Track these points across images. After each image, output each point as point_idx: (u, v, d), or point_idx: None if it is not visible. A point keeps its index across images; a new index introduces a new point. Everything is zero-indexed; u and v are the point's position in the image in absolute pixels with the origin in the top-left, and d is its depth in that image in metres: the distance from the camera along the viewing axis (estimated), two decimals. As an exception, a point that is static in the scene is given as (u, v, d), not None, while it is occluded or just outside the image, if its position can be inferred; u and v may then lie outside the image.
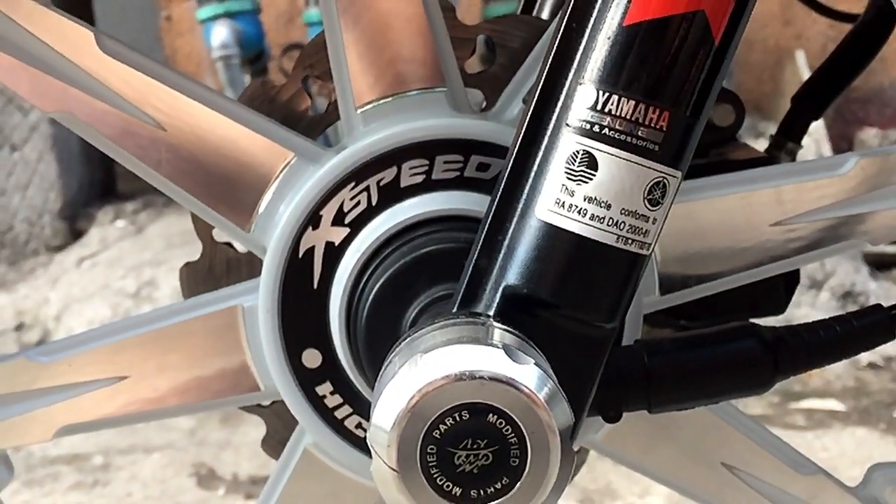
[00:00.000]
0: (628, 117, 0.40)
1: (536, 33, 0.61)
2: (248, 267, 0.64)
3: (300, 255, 0.55)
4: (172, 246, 2.34)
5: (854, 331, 0.50)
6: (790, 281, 0.66)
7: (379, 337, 0.51)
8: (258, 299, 0.57)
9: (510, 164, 0.44)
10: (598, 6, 0.41)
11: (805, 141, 2.24)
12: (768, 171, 0.58)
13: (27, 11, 0.54)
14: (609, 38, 0.41)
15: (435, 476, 0.37)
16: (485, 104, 0.60)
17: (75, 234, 2.75)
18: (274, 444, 0.67)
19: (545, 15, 0.69)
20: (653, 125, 0.40)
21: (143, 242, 2.43)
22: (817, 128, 2.33)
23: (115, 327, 0.60)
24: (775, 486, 0.61)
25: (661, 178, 0.41)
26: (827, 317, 0.54)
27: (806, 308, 2.05)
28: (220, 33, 2.30)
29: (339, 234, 0.55)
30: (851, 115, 2.54)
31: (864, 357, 1.94)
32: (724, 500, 0.62)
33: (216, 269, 0.65)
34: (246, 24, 2.37)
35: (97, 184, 3.00)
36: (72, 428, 0.60)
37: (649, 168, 0.41)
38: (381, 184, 0.54)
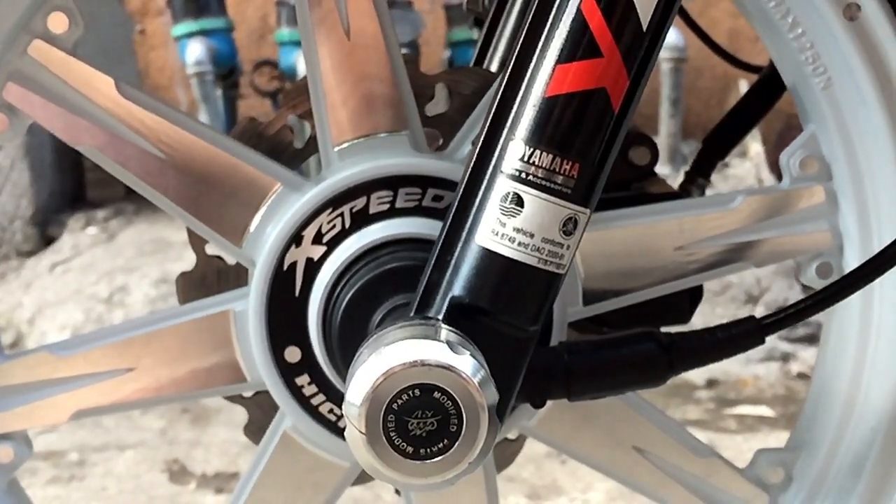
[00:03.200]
0: (547, 167, 0.52)
1: (485, 83, 0.73)
2: (235, 276, 0.75)
3: (284, 268, 0.66)
4: (144, 253, 2.43)
5: (731, 337, 0.62)
6: (695, 295, 0.78)
7: (350, 337, 0.62)
8: (248, 305, 0.67)
9: (458, 200, 0.55)
10: (526, 79, 0.53)
11: (746, 165, 2.41)
12: (672, 205, 0.71)
13: (58, 61, 0.65)
14: (534, 106, 0.53)
15: (393, 438, 0.48)
16: (441, 141, 0.71)
17: (46, 241, 2.82)
18: (255, 430, 0.77)
19: (493, 68, 0.81)
20: (566, 174, 0.52)
21: (114, 249, 2.51)
22: (758, 153, 2.49)
23: (124, 326, 0.71)
24: (677, 465, 0.73)
25: (573, 215, 0.53)
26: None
27: (743, 321, 2.20)
28: (195, 50, 2.40)
29: (317, 252, 0.66)
30: (791, 140, 2.70)
31: (795, 367, 2.08)
32: (635, 477, 0.74)
33: (208, 278, 0.76)
34: (219, 42, 2.47)
35: (68, 191, 3.07)
36: (84, 412, 0.71)
37: (564, 207, 0.53)
38: (354, 210, 0.66)
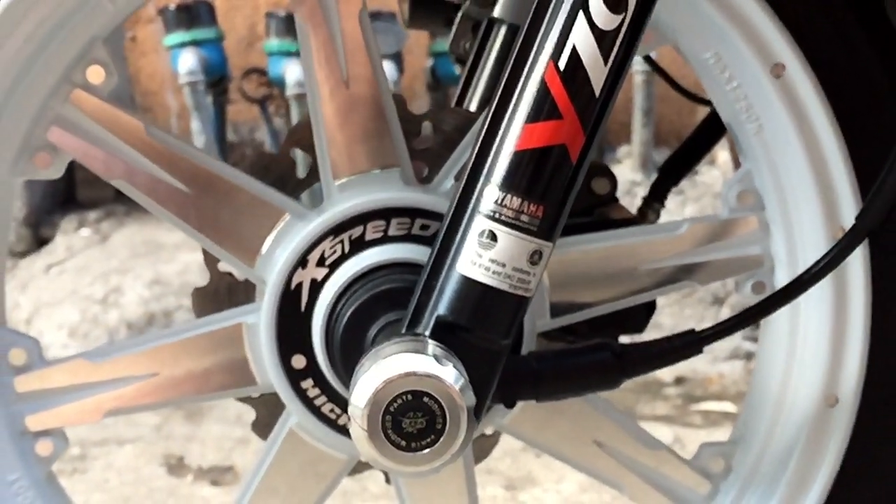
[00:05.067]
0: (516, 209, 0.63)
1: (465, 122, 0.83)
2: (244, 291, 0.85)
3: (292, 287, 0.77)
4: (137, 255, 2.52)
5: (675, 347, 0.73)
6: (649, 308, 0.89)
7: (350, 347, 0.73)
8: (259, 318, 0.78)
9: (442, 234, 0.66)
10: (500, 135, 0.64)
11: (714, 173, 2.53)
12: (628, 231, 0.82)
13: (95, 107, 0.75)
14: (506, 157, 0.63)
15: (390, 434, 0.59)
16: (426, 172, 0.82)
17: (39, 242, 2.90)
18: (262, 426, 0.88)
19: (473, 107, 0.91)
20: (532, 214, 0.63)
21: (108, 251, 2.60)
22: (725, 161, 2.60)
23: (149, 337, 0.81)
24: (631, 457, 0.84)
25: (538, 248, 0.64)
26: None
27: (710, 321, 2.32)
28: (187, 61, 2.49)
29: (320, 273, 0.76)
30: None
31: (758, 366, 2.20)
32: (595, 467, 0.84)
33: (220, 292, 0.87)
34: (210, 52, 2.56)
35: (59, 192, 3.15)
36: (114, 411, 0.81)
37: (530, 241, 0.63)
38: (352, 237, 0.76)
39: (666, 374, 2.15)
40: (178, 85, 2.59)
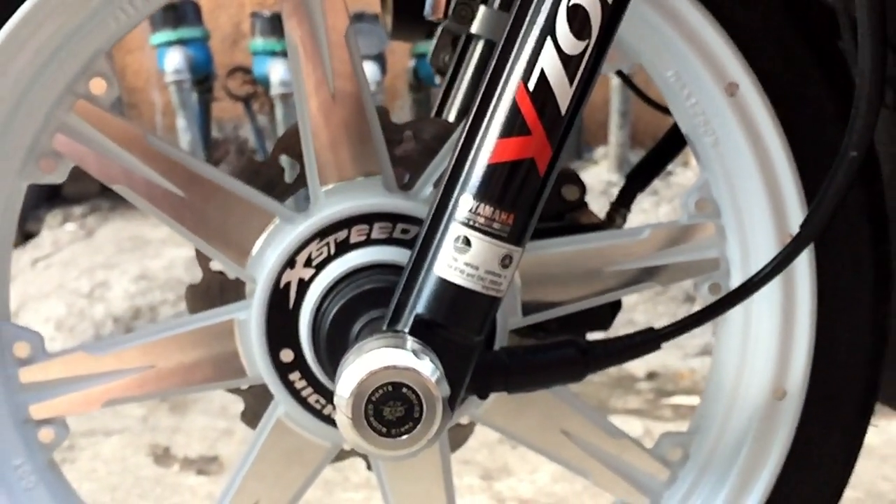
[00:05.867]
0: (489, 217, 0.68)
1: (443, 131, 0.89)
2: (234, 289, 0.91)
3: (280, 286, 0.82)
4: (122, 250, 2.56)
5: (635, 344, 0.79)
6: (614, 307, 0.95)
7: (335, 342, 0.78)
8: (250, 315, 0.83)
9: (421, 239, 0.71)
10: (474, 148, 0.69)
11: (688, 174, 2.59)
12: (595, 236, 0.88)
13: (98, 116, 0.80)
14: (481, 168, 0.69)
15: (372, 422, 0.65)
16: (407, 177, 0.88)
17: (25, 236, 2.93)
18: (250, 416, 0.93)
19: (451, 117, 0.97)
20: (503, 222, 0.69)
21: (94, 246, 2.64)
22: (699, 162, 2.67)
23: (147, 331, 0.86)
24: (595, 445, 0.90)
25: (509, 252, 0.70)
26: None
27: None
28: (174, 59, 2.53)
29: (307, 273, 0.82)
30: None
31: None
32: (563, 456, 0.90)
33: (212, 290, 0.92)
34: (196, 51, 2.60)
35: (44, 187, 3.18)
36: (112, 401, 0.86)
37: (501, 246, 0.69)
38: (337, 240, 0.82)
39: (639, 369, 2.22)
40: (164, 82, 2.63)
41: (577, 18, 0.66)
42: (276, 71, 2.48)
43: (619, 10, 0.68)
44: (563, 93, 0.68)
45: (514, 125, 0.68)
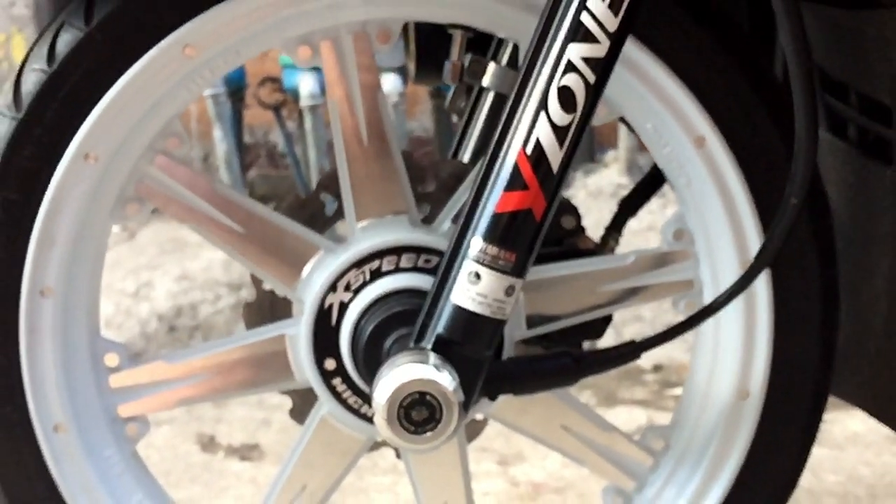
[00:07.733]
0: (495, 255, 0.85)
1: (460, 171, 1.05)
2: (284, 306, 1.08)
3: (325, 307, 0.99)
4: (164, 252, 2.73)
5: (620, 353, 0.95)
6: (606, 319, 1.11)
7: (370, 354, 0.95)
8: (299, 331, 1.00)
9: (441, 272, 0.88)
10: (484, 197, 0.86)
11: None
12: (588, 261, 1.03)
13: (173, 168, 0.97)
14: (489, 216, 0.85)
15: (402, 422, 0.82)
16: (429, 211, 1.04)
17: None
18: (297, 413, 1.10)
19: (466, 158, 1.13)
20: (506, 259, 0.85)
21: (137, 248, 2.82)
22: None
23: (213, 344, 1.03)
24: (590, 438, 1.06)
25: (512, 283, 0.86)
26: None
27: (682, 313, 2.55)
28: (210, 74, 2.69)
29: (347, 296, 0.98)
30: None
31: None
32: (563, 447, 1.07)
33: (264, 306, 1.09)
34: (230, 64, 2.76)
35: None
36: (185, 401, 1.03)
37: (506, 279, 0.85)
38: (372, 269, 0.98)
39: (645, 361, 2.37)
40: (203, 98, 2.80)
41: (566, 97, 0.82)
42: (306, 84, 2.63)
43: (600, 87, 0.84)
44: (555, 155, 0.84)
45: (516, 181, 0.84)
